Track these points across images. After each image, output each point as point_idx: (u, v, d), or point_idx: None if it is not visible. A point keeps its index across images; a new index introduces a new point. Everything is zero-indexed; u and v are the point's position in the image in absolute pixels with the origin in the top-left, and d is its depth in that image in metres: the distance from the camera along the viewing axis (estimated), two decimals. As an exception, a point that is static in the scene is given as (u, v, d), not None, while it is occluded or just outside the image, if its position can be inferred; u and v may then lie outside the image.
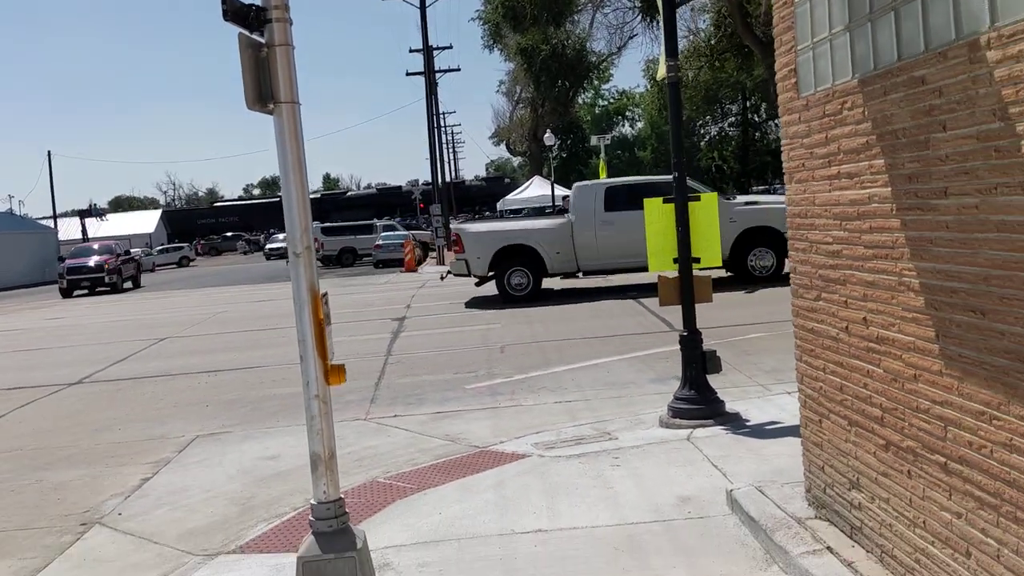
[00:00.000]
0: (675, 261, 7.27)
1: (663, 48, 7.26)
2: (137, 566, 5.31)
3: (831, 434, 4.22)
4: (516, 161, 75.07)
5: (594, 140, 30.77)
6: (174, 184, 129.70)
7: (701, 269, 7.31)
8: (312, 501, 4.04)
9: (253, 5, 3.93)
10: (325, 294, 4.20)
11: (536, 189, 37.30)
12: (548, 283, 18.74)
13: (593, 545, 4.78)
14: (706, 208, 7.21)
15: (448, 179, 70.71)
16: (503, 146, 70.17)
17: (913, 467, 3.42)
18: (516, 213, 44.41)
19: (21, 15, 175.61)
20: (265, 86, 3.95)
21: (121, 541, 5.77)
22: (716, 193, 7.41)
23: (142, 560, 5.40)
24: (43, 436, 8.99)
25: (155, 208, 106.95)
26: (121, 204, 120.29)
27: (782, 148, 4.53)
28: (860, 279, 3.76)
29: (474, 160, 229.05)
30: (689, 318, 7.28)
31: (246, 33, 3.89)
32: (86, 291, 34.88)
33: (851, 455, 4.00)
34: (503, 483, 6.08)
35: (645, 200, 7.42)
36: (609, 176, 29.17)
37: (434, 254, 37.23)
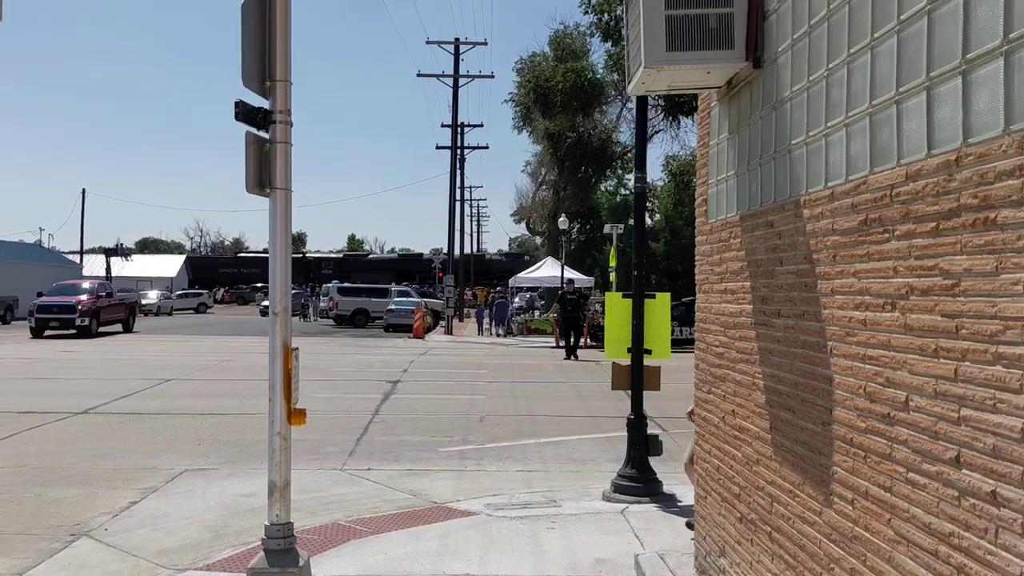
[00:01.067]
0: (628, 351, 8.05)
1: (635, 160, 8.18)
2: (115, 574, 6.04)
3: (711, 508, 4.95)
4: (538, 240, 76.57)
5: (607, 228, 31.67)
6: (201, 231, 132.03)
7: (652, 360, 8.09)
8: (265, 523, 4.80)
9: (261, 109, 4.84)
10: (296, 349, 5.00)
11: (548, 269, 38.30)
12: (551, 354, 19.39)
13: (508, 590, 5.49)
14: (660, 305, 8.03)
15: (470, 251, 72.14)
16: (524, 225, 71.54)
17: (754, 536, 4.16)
18: (529, 291, 45.43)
19: (67, 52, 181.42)
20: (265, 175, 4.84)
21: (104, 552, 6.50)
22: (669, 293, 8.20)
23: (119, 569, 6.12)
24: (47, 457, 9.77)
25: (179, 252, 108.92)
26: (147, 245, 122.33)
27: (696, 263, 5.36)
28: (733, 378, 4.55)
29: (498, 235, 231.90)
30: (637, 403, 8.04)
31: (253, 131, 4.80)
32: (59, 331, 31.84)
33: (721, 527, 4.73)
34: (448, 534, 6.78)
35: (606, 294, 8.24)
36: (618, 264, 30.04)
37: (443, 323, 38.10)
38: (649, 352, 8.05)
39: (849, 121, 3.13)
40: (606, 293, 8.29)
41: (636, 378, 8.01)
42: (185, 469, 9.24)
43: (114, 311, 35.15)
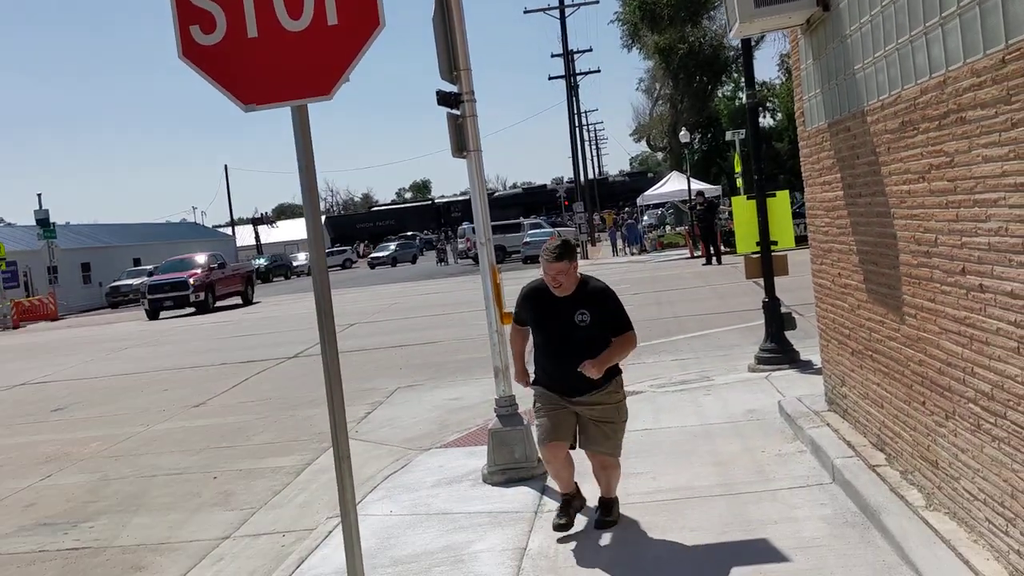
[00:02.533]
0: (757, 244, 9.42)
1: (744, 79, 9.43)
2: (378, 457, 7.97)
3: (831, 352, 6.40)
4: (660, 156, 76.71)
5: (728, 135, 32.25)
6: (332, 191, 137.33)
7: (779, 250, 9.44)
8: (495, 396, 6.55)
9: (452, 93, 6.47)
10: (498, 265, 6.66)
11: (674, 184, 39.14)
12: (687, 264, 20.72)
13: (680, 433, 7.11)
14: (780, 203, 9.34)
15: (592, 176, 73.14)
16: (644, 143, 71.88)
17: (862, 362, 5.59)
18: (657, 207, 46.30)
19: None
20: (462, 141, 6.48)
21: (363, 445, 8.46)
22: (787, 190, 9.46)
23: (380, 454, 8.07)
24: (283, 390, 11.97)
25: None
26: (284, 211, 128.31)
27: (801, 162, 6.71)
28: (836, 248, 5.95)
29: (617, 156, 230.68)
30: (770, 287, 9.43)
31: (449, 110, 6.44)
32: (174, 309, 30.22)
33: (839, 363, 6.18)
34: (624, 407, 8.43)
35: (733, 198, 9.60)
36: (744, 168, 30.65)
37: (579, 249, 39.66)
38: (776, 243, 9.40)
39: (886, 53, 4.47)
40: (732, 198, 9.65)
41: (767, 266, 9.39)
42: (397, 387, 11.23)
43: (230, 283, 32.99)
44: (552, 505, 5.74)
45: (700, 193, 29.41)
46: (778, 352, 9.23)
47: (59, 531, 6.77)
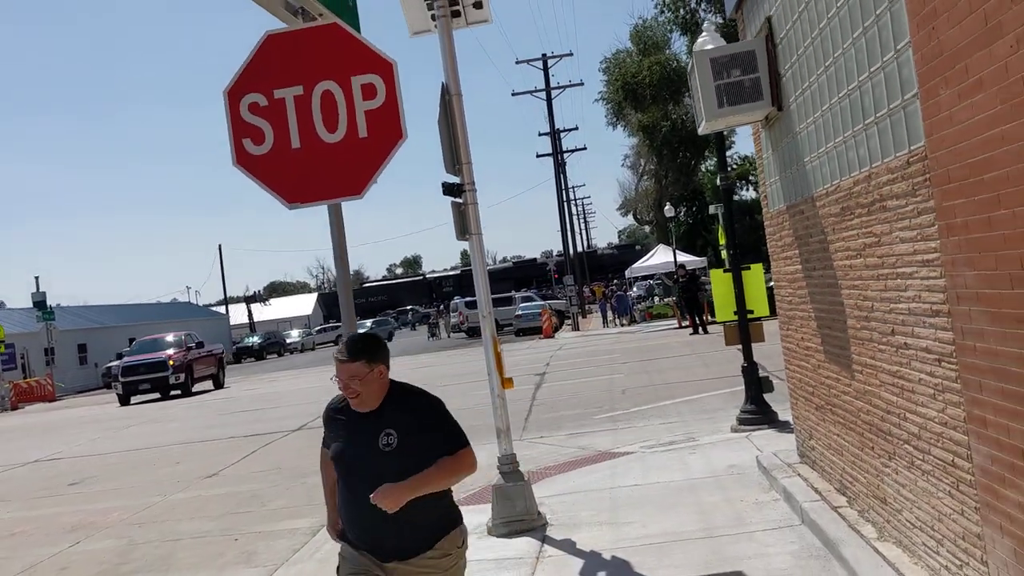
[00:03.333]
0: (735, 313, 10.19)
1: (717, 163, 10.31)
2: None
3: (800, 409, 7.11)
4: (647, 229, 78.32)
5: (712, 209, 33.40)
6: (323, 268, 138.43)
7: (755, 318, 10.20)
8: (497, 455, 7.21)
9: (455, 184, 7.27)
10: (498, 338, 7.38)
11: (660, 256, 40.18)
12: (675, 334, 21.43)
13: (667, 488, 7.76)
14: (755, 275, 10.14)
15: (580, 249, 74.38)
16: (631, 216, 73.32)
17: (824, 416, 6.30)
18: (645, 279, 47.28)
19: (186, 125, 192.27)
20: (465, 226, 7.26)
21: (372, 507, 9.06)
22: (762, 263, 10.28)
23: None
24: (292, 460, 12.55)
25: (305, 291, 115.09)
26: (275, 289, 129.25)
27: (767, 239, 7.51)
28: (798, 315, 6.71)
29: (605, 229, 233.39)
30: (748, 353, 10.16)
31: (453, 199, 7.24)
32: (152, 393, 28.60)
33: (806, 419, 6.88)
34: (615, 467, 9.09)
35: (711, 271, 10.40)
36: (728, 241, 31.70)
37: (569, 321, 40.46)
38: (752, 312, 10.17)
39: (827, 150, 5.30)
40: (711, 270, 10.45)
41: (744, 333, 10.14)
42: (400, 454, 11.82)
43: (205, 364, 30.92)
44: (553, 552, 6.37)
45: (682, 266, 30.37)
46: (758, 413, 9.92)
47: (96, 589, 7.33)
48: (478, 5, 7.37)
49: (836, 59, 4.91)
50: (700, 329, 25.77)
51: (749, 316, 10.15)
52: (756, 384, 10.03)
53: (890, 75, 4.13)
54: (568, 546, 6.46)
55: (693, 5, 35.50)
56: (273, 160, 4.75)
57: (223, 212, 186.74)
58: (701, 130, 6.91)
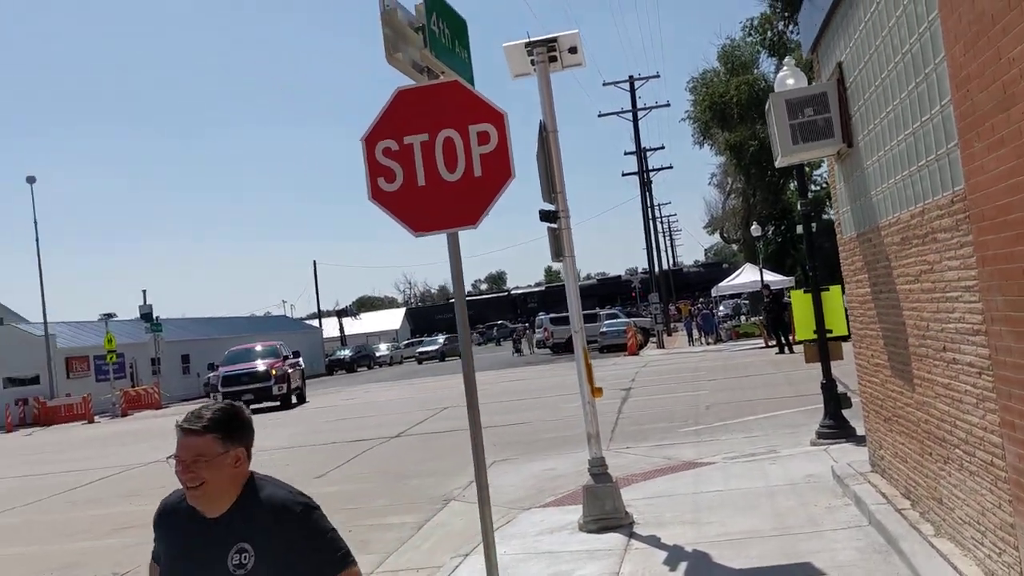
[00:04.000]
0: (814, 332, 10.70)
1: (798, 190, 10.86)
2: (475, 521, 9.32)
3: (871, 422, 7.64)
4: (734, 247, 77.94)
5: (799, 229, 33.46)
6: (410, 283, 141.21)
7: (833, 337, 10.69)
8: (589, 457, 7.93)
9: (551, 211, 8.04)
10: (588, 347, 8.12)
11: (747, 276, 40.18)
12: (761, 353, 21.82)
13: (746, 494, 8.35)
14: (833, 296, 10.64)
15: (666, 267, 74.45)
16: (717, 234, 73.07)
17: (891, 427, 6.85)
18: (731, 298, 47.27)
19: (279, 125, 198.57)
20: (559, 249, 8.03)
21: (469, 506, 9.82)
22: (839, 285, 10.74)
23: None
24: (394, 463, 13.47)
25: (393, 306, 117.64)
26: (364, 304, 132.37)
27: (841, 264, 8.08)
28: (868, 334, 7.27)
29: (691, 247, 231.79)
30: (827, 370, 10.66)
31: (550, 224, 8.01)
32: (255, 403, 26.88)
33: (877, 430, 7.42)
34: (698, 475, 9.70)
35: (791, 292, 10.94)
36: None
37: (654, 339, 40.82)
38: (831, 331, 10.66)
39: (889, 186, 5.90)
40: (791, 291, 10.98)
41: (823, 351, 10.64)
42: (494, 460, 12.62)
43: (295, 377, 30.56)
44: (639, 545, 7.05)
45: (767, 286, 30.56)
46: (836, 428, 10.41)
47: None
48: (573, 50, 8.15)
49: (895, 106, 5.53)
50: (786, 349, 25.98)
51: (828, 335, 10.64)
52: (835, 400, 10.51)
53: (937, 125, 4.75)
54: (653, 541, 7.12)
55: (780, 27, 35.68)
56: (402, 196, 5.59)
57: (316, 229, 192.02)
58: (778, 163, 7.54)
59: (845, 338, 10.71)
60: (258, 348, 31.83)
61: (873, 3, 5.79)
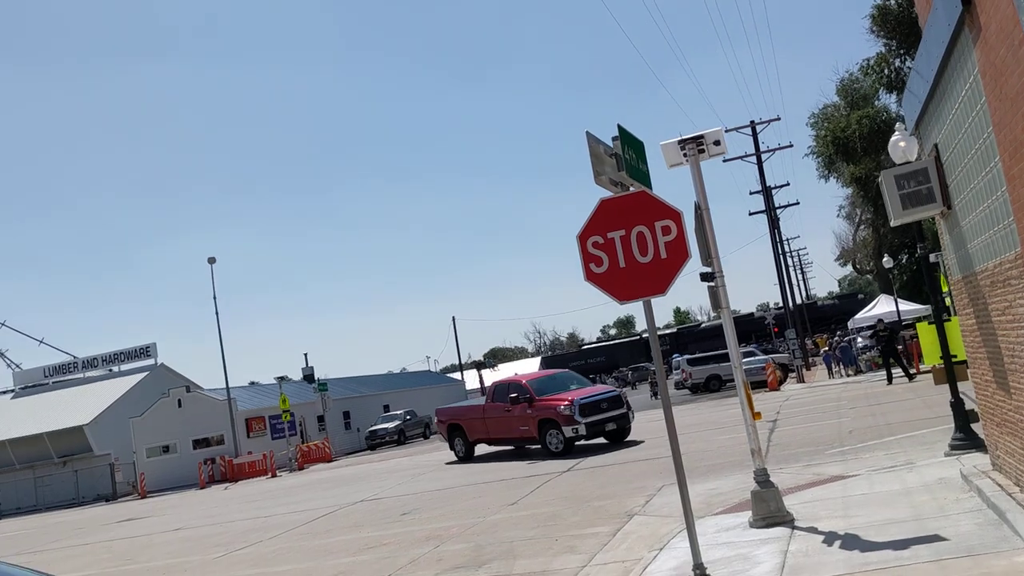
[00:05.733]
0: (941, 358, 12.30)
1: (917, 238, 12.56)
2: (667, 523, 11.29)
3: (989, 427, 9.31)
4: (870, 277, 77.38)
5: (932, 257, 34.13)
6: (539, 332, 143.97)
7: (958, 361, 12.26)
8: (754, 468, 9.84)
9: (709, 272, 10.08)
10: (748, 382, 10.08)
11: (883, 307, 40.83)
12: (900, 381, 22.92)
13: (887, 494, 10.07)
14: (954, 325, 12.23)
15: (800, 301, 74.45)
16: (849, 266, 72.79)
17: (1002, 430, 8.54)
18: (866, 330, 47.53)
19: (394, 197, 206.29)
20: (716, 302, 10.06)
21: (653, 519, 11.84)
22: (957, 316, 12.32)
23: (668, 522, 11.38)
24: (571, 491, 15.56)
25: (523, 356, 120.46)
26: (495, 355, 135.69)
27: (952, 299, 9.80)
28: (978, 357, 9.00)
29: (823, 279, 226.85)
30: (954, 390, 12.22)
31: (707, 283, 10.06)
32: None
33: (993, 435, 9.09)
34: (845, 484, 11.42)
35: (917, 324, 12.58)
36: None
37: (793, 374, 41.69)
38: (955, 356, 12.24)
39: (979, 242, 7.73)
40: (917, 324, 12.62)
41: (950, 374, 12.22)
42: (662, 485, 14.57)
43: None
44: (800, 533, 8.91)
45: (880, 320, 31.52)
46: (965, 440, 11.94)
47: (469, 570, 10.53)
48: (717, 143, 10.25)
49: (976, 183, 7.41)
50: (906, 378, 27.22)
51: (954, 359, 12.22)
52: (963, 415, 12.05)
53: (1005, 201, 6.63)
54: (811, 530, 8.97)
55: (897, 64, 36.72)
56: (608, 276, 7.80)
57: (447, 287, 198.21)
58: (892, 224, 9.41)
59: (965, 362, 12.29)
60: (558, 376, 25.79)
61: (957, 101, 7.69)
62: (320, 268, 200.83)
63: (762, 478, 9.82)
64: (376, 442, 48.37)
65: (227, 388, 42.55)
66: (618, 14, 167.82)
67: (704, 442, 19.43)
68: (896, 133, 11.74)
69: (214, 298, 42.13)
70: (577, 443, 22.89)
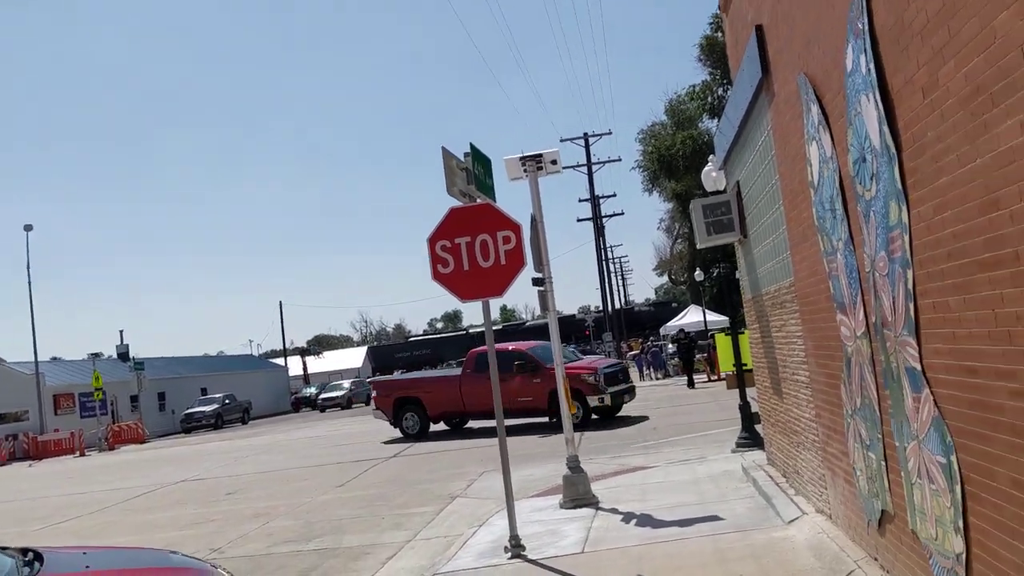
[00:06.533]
0: (733, 365, 13.94)
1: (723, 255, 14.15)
2: (486, 504, 12.32)
3: (767, 428, 10.85)
4: (684, 287, 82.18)
5: (738, 274, 37.12)
6: (367, 322, 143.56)
7: (747, 369, 13.94)
8: (567, 456, 11.01)
9: (538, 278, 11.17)
10: (567, 379, 11.24)
11: (692, 316, 43.84)
12: (704, 386, 25.09)
13: (679, 482, 11.49)
14: (746, 338, 13.90)
15: (619, 306, 78.01)
16: (666, 276, 76.98)
17: (775, 430, 10.05)
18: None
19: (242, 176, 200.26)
20: (544, 304, 11.17)
21: (474, 500, 12.84)
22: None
23: (486, 504, 12.41)
24: (399, 474, 16.39)
25: (350, 345, 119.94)
26: (320, 342, 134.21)
27: (745, 316, 11.32)
28: (759, 366, 10.49)
29: (642, 286, 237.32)
30: (743, 394, 13.90)
31: (538, 288, 11.15)
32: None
33: (769, 433, 10.63)
34: (645, 474, 12.83)
35: (715, 335, 14.20)
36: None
37: (608, 374, 44.11)
38: (745, 364, 13.91)
39: (765, 268, 9.15)
40: (715, 334, 14.23)
41: (740, 380, 13.89)
42: (483, 471, 15.63)
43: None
44: (603, 513, 10.11)
45: (682, 329, 34.26)
46: (749, 439, 13.62)
47: (300, 544, 11.18)
48: (554, 162, 11.36)
49: (765, 219, 8.80)
50: (690, 384, 29.86)
51: (744, 368, 13.89)
52: (748, 417, 13.74)
53: (784, 238, 8.00)
54: (613, 511, 10.21)
55: (720, 92, 39.59)
56: (453, 276, 8.70)
57: (274, 269, 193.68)
58: (699, 247, 10.79)
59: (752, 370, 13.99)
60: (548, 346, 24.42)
61: (755, 150, 9.06)
62: (139, 245, 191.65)
63: (573, 464, 11.00)
64: (192, 425, 47.37)
65: (35, 362, 40.63)
66: (462, 10, 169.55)
67: (521, 435, 20.69)
68: (709, 164, 13.26)
69: (27, 267, 40.07)
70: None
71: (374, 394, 25.28)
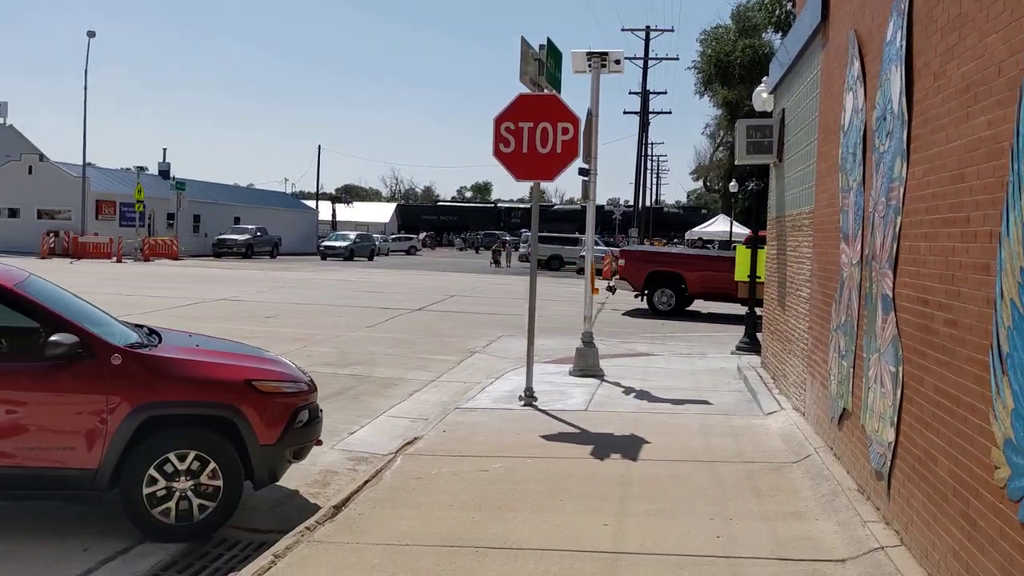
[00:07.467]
0: (748, 276, 15.03)
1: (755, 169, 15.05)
2: (504, 362, 13.67)
3: (766, 335, 12.02)
4: (716, 195, 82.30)
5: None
6: (397, 179, 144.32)
7: (760, 280, 15.02)
8: (583, 331, 12.25)
9: (585, 168, 12.16)
10: (593, 263, 12.39)
11: (720, 225, 44.68)
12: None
13: (679, 372, 12.77)
14: (763, 253, 14.93)
15: (649, 204, 78.53)
16: (701, 182, 77.16)
17: (773, 336, 11.22)
18: (708, 243, 51.73)
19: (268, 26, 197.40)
20: (586, 194, 12.20)
21: (492, 358, 14.20)
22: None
23: (504, 361, 13.76)
24: (423, 327, 17.79)
25: (377, 199, 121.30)
26: (349, 191, 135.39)
27: (766, 232, 12.34)
28: (770, 279, 11.59)
29: (675, 189, 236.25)
30: (752, 304, 15.04)
31: (583, 178, 12.17)
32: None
33: (766, 339, 11.80)
34: (649, 359, 14.12)
35: (736, 246, 15.22)
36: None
37: (628, 268, 45.27)
38: (759, 277, 14.99)
39: (792, 192, 10.13)
40: (736, 245, 15.26)
41: (752, 290, 15.00)
42: (501, 335, 16.98)
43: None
44: (607, 384, 11.41)
45: (700, 238, 35.16)
46: (749, 344, 14.83)
47: (336, 368, 12.59)
48: (617, 62, 12.17)
49: (801, 149, 9.72)
50: None
51: (757, 279, 14.99)
52: (752, 324, 14.92)
53: (813, 169, 8.95)
54: (616, 384, 11.50)
55: (789, 8, 39.20)
56: (513, 156, 9.72)
57: (313, 110, 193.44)
58: (737, 162, 11.72)
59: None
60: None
61: (803, 83, 9.90)
62: (185, 71, 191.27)
63: (587, 339, 12.26)
64: (223, 251, 49.03)
65: (83, 164, 42.04)
66: None
67: (540, 310, 21.98)
68: (762, 84, 14.00)
69: (85, 72, 41.04)
70: None
71: (622, 262, 24.60)
